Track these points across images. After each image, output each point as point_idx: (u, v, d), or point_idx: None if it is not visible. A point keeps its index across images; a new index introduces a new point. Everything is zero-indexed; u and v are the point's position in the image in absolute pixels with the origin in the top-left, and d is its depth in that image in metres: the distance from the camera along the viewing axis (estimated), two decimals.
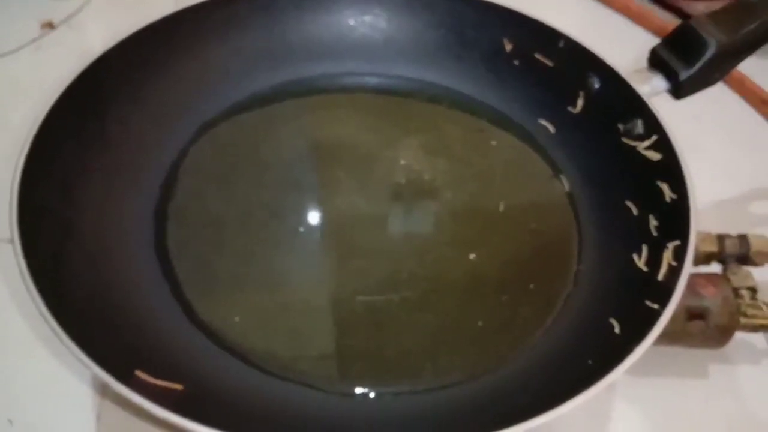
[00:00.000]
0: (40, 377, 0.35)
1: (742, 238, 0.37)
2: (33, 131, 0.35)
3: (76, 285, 0.33)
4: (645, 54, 0.41)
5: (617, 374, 0.29)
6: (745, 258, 0.37)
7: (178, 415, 0.27)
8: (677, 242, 0.34)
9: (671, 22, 0.55)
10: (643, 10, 0.56)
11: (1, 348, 0.36)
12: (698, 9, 0.53)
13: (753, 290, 0.36)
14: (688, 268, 0.33)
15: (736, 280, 0.36)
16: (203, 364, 0.33)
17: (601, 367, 0.29)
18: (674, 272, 0.33)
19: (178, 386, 0.30)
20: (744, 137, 0.49)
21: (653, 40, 0.41)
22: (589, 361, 0.31)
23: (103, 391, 0.34)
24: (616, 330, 0.33)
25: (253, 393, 0.33)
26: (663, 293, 0.32)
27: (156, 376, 0.29)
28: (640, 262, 0.36)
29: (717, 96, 0.44)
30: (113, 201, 0.38)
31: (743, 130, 0.50)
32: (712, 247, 0.37)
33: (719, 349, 0.36)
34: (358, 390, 0.34)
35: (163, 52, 0.42)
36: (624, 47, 0.43)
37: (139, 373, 0.29)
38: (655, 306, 0.32)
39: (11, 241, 0.31)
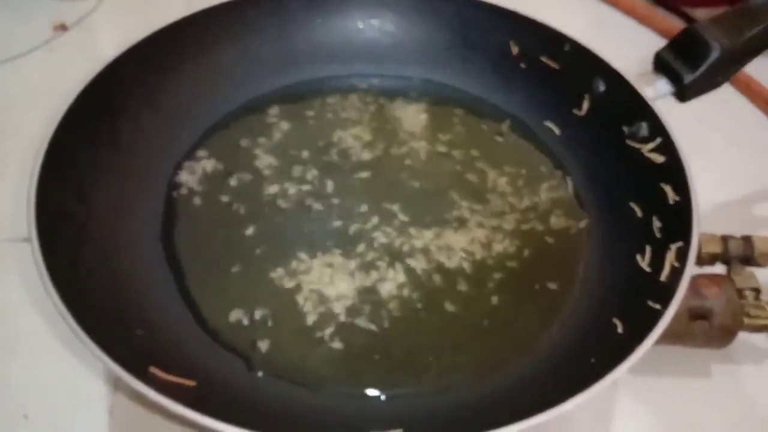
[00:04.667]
0: (54, 373, 0.35)
1: (747, 240, 0.37)
2: (49, 134, 0.35)
3: (91, 283, 0.34)
4: (650, 55, 0.41)
5: (619, 373, 0.29)
6: (749, 259, 0.37)
7: (195, 411, 0.27)
8: (680, 244, 0.35)
9: (677, 23, 0.55)
10: (648, 12, 0.57)
11: (17, 345, 0.36)
12: (701, 15, 0.53)
13: (757, 291, 0.36)
14: (690, 270, 0.33)
15: (739, 281, 0.36)
16: (212, 363, 0.34)
17: (603, 365, 0.30)
18: (677, 273, 0.33)
19: (191, 383, 0.30)
20: (750, 139, 0.50)
21: (659, 42, 0.41)
22: (592, 360, 0.32)
23: (116, 386, 0.35)
24: (619, 330, 0.34)
25: (262, 392, 0.33)
26: (665, 294, 0.32)
27: (169, 373, 0.30)
28: (644, 263, 0.36)
29: (723, 97, 0.44)
30: (124, 201, 0.38)
31: (749, 131, 0.50)
32: (717, 249, 0.37)
33: (722, 349, 0.36)
34: (369, 392, 0.34)
35: (173, 56, 0.42)
36: (630, 49, 0.44)
37: (153, 370, 0.30)
38: (658, 306, 0.32)
39: (29, 240, 0.32)
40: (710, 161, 0.45)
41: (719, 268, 0.38)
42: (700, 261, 0.37)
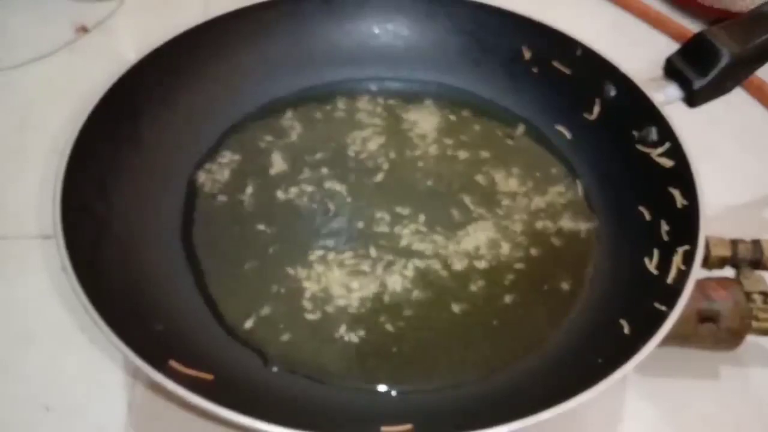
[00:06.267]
0: (76, 366, 0.36)
1: (756, 243, 0.37)
2: (74, 134, 0.36)
3: (112, 278, 0.35)
4: (662, 58, 0.41)
5: (624, 372, 0.30)
6: (758, 263, 0.37)
7: (212, 402, 0.28)
8: (687, 247, 0.35)
9: (689, 27, 0.55)
10: (661, 16, 0.57)
11: (40, 338, 0.37)
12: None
13: (765, 295, 0.36)
14: (696, 273, 0.34)
15: (748, 285, 0.36)
16: (229, 358, 0.35)
17: (610, 365, 0.30)
18: (682, 276, 0.34)
19: (208, 376, 0.31)
20: (761, 142, 0.49)
21: (671, 45, 0.42)
22: (599, 360, 0.32)
23: (135, 378, 0.36)
24: (626, 330, 0.34)
25: (277, 386, 0.34)
26: (671, 296, 0.33)
27: (187, 366, 0.31)
28: (651, 265, 0.36)
29: (735, 100, 0.44)
30: (145, 199, 0.39)
31: (761, 135, 0.50)
32: (726, 252, 0.37)
33: (731, 352, 0.37)
34: (380, 387, 0.35)
35: (193, 59, 0.43)
36: (642, 52, 0.44)
37: (172, 363, 0.30)
38: (663, 308, 0.33)
39: (53, 237, 0.33)
40: (721, 165, 0.45)
41: (729, 272, 0.38)
42: (710, 264, 0.37)
